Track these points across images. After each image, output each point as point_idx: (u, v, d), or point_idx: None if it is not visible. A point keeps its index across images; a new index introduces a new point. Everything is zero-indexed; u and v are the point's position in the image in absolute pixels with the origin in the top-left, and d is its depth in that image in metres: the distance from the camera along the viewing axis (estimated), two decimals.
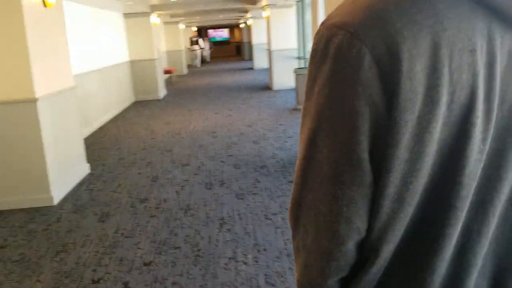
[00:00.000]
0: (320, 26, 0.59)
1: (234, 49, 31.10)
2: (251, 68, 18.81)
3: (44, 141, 4.18)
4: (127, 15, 10.91)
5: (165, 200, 4.30)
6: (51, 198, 4.28)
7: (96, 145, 6.77)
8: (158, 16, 11.64)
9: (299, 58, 11.35)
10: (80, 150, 5.19)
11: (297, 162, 0.62)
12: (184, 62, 18.61)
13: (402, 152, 0.55)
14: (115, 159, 5.87)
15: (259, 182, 4.65)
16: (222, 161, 5.49)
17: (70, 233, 3.66)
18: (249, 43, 23.64)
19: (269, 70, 12.51)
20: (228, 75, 16.73)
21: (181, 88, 13.55)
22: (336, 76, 0.56)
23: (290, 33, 11.42)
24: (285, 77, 11.54)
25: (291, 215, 0.64)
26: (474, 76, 0.55)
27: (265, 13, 11.71)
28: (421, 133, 0.54)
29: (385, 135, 0.55)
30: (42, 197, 4.25)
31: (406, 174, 0.55)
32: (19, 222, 3.95)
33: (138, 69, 11.19)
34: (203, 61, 23.28)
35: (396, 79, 0.53)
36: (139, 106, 10.46)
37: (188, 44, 21.34)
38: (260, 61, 18.26)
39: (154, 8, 11.02)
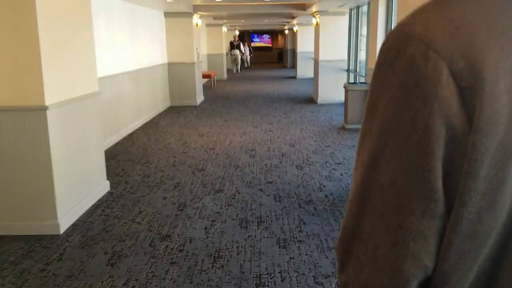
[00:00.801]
0: (388, 34, 0.52)
1: (276, 56, 30.38)
2: (294, 77, 18.00)
3: (53, 156, 3.50)
4: (168, 14, 10.33)
5: (190, 240, 3.53)
6: (56, 226, 3.59)
7: (122, 155, 6.11)
8: (200, 17, 11.01)
9: (348, 71, 10.45)
10: (100, 165, 4.51)
11: (353, 187, 0.55)
12: (225, 67, 18.00)
13: (480, 183, 0.48)
14: (140, 176, 5.18)
15: (304, 224, 3.82)
16: (260, 189, 4.69)
17: (70, 280, 2.94)
18: (293, 50, 22.88)
19: (314, 82, 11.64)
20: (269, 83, 15.98)
21: (219, 94, 12.88)
22: (407, 91, 0.49)
23: (341, 43, 10.54)
24: (331, 91, 10.66)
25: (341, 246, 0.56)
26: None
27: (314, 20, 10.89)
28: (503, 163, 0.48)
29: (462, 162, 0.48)
30: (46, 224, 3.58)
31: (482, 208, 0.49)
32: (14, 255, 3.27)
33: (175, 73, 10.59)
34: (242, 66, 22.20)
35: (478, 98, 0.47)
36: (174, 112, 9.83)
37: (230, 48, 20.52)
38: (303, 70, 17.44)
39: (197, 8, 10.40)
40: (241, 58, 21.29)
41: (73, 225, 3.80)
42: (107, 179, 4.73)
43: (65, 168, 3.72)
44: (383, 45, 0.53)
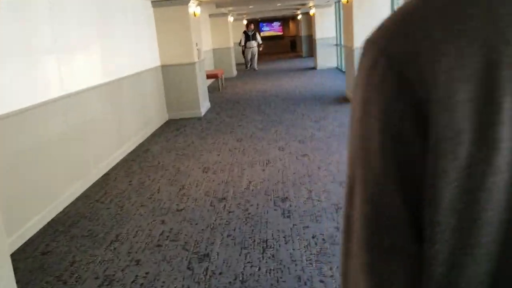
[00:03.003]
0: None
1: (288, 44, 27.91)
2: (313, 68, 15.61)
3: None
4: (156, 3, 8.08)
5: None
6: None
7: (81, 224, 3.90)
8: (198, 5, 8.72)
9: None
10: None
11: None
12: (234, 62, 15.69)
13: (445, 216, 0.40)
14: (98, 280, 2.96)
15: None
16: None
17: None
18: (310, 37, 20.44)
19: (347, 75, 9.28)
20: (286, 78, 13.62)
21: (229, 98, 10.60)
22: (364, 105, 0.45)
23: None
24: None
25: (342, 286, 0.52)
26: None
27: None
28: (473, 191, 0.39)
29: (422, 190, 0.41)
30: None
31: (456, 248, 0.40)
32: None
33: (172, 77, 8.35)
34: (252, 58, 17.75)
35: (429, 110, 0.40)
36: (172, 128, 7.60)
37: (238, 40, 17.67)
38: (324, 59, 15.05)
39: None
40: (258, 51, 17.26)
41: None
42: None
43: None
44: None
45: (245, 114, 8.32)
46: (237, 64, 17.63)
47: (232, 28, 16.93)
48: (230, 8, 13.97)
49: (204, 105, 8.89)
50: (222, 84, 12.65)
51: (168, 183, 4.80)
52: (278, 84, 12.33)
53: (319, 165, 4.95)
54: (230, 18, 15.49)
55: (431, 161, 0.39)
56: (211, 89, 12.15)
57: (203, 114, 8.57)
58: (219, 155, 5.71)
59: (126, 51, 6.67)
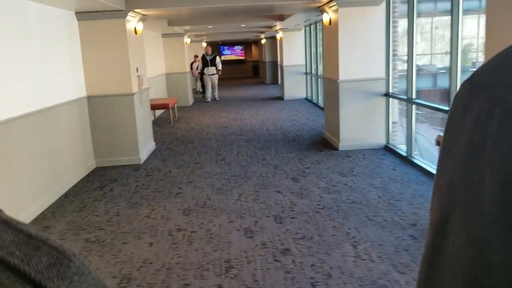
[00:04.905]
0: (463, 83, 0.46)
1: (251, 69, 26.31)
2: (280, 98, 13.90)
3: None
4: (82, 15, 6.08)
5: None
6: None
7: None
8: (140, 20, 6.77)
9: (386, 95, 6.40)
10: None
11: (424, 249, 0.47)
12: (190, 89, 13.72)
13: None
14: None
15: None
16: None
17: None
18: (274, 63, 18.88)
19: (326, 114, 7.51)
20: (251, 109, 11.80)
21: (181, 135, 8.60)
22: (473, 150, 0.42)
23: (376, 54, 6.47)
24: (362, 129, 6.57)
25: None
26: None
27: (326, 17, 6.79)
28: None
29: None
30: None
31: None
32: None
33: (102, 112, 6.30)
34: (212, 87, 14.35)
35: None
36: (94, 185, 5.50)
37: (190, 64, 15.29)
38: (293, 88, 13.40)
39: (131, 3, 6.15)
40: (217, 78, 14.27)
41: None
42: None
43: None
44: (455, 95, 0.46)
45: (199, 163, 6.35)
46: (196, 92, 15.69)
47: (189, 51, 15.05)
48: (187, 28, 12.09)
49: (146, 148, 6.85)
50: (175, 115, 10.65)
51: None
52: (241, 117, 10.46)
53: (311, 275, 3.02)
54: (187, 39, 13.61)
55: None
56: (161, 122, 10.13)
57: (143, 160, 6.52)
58: (151, 244, 3.69)
59: (30, 77, 4.61)
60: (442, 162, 0.46)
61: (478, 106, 0.41)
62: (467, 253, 0.42)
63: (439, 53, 22.10)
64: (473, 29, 19.32)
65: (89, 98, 6.24)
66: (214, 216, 4.22)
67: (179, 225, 4.04)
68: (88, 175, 5.93)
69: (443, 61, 19.89)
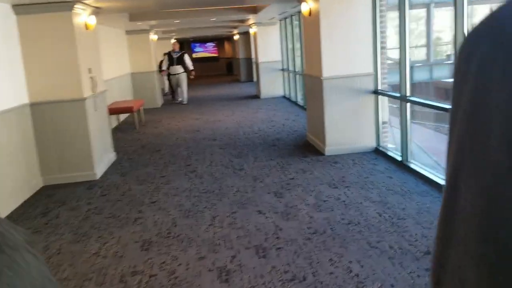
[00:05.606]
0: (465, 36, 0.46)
1: (224, 67, 25.42)
2: (256, 96, 13.11)
3: None
4: (21, 8, 5.12)
5: None
6: None
7: None
8: (93, 13, 5.83)
9: (375, 92, 5.67)
10: None
11: (440, 209, 0.48)
12: (158, 90, 12.76)
13: None
14: None
15: None
16: None
17: None
18: (249, 59, 18.09)
19: (308, 115, 6.74)
20: (225, 110, 10.95)
21: (147, 142, 7.69)
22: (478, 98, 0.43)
23: (362, 47, 5.72)
24: (357, 135, 5.83)
25: (432, 275, 0.51)
26: None
27: (305, 7, 6.00)
28: None
29: None
30: None
31: None
32: None
33: (48, 121, 5.36)
34: (178, 88, 12.97)
35: None
36: (38, 210, 4.58)
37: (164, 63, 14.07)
38: (269, 86, 12.61)
39: None
40: (190, 77, 12.82)
41: None
42: None
43: None
44: (460, 47, 0.47)
45: (165, 176, 5.49)
46: (165, 94, 14.73)
47: (158, 49, 14.07)
48: (152, 23, 11.15)
49: (103, 161, 5.92)
50: (141, 119, 9.71)
51: None
52: (215, 119, 9.60)
53: None
54: (153, 36, 12.64)
55: None
56: (125, 128, 9.19)
57: (99, 175, 5.60)
58: None
59: None
60: (452, 117, 0.45)
61: (480, 53, 0.40)
62: (480, 205, 0.40)
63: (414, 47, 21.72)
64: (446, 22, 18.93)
65: (33, 105, 5.30)
66: (180, 251, 3.39)
67: (135, 266, 3.19)
68: (33, 196, 5.01)
69: (413, 55, 19.40)
